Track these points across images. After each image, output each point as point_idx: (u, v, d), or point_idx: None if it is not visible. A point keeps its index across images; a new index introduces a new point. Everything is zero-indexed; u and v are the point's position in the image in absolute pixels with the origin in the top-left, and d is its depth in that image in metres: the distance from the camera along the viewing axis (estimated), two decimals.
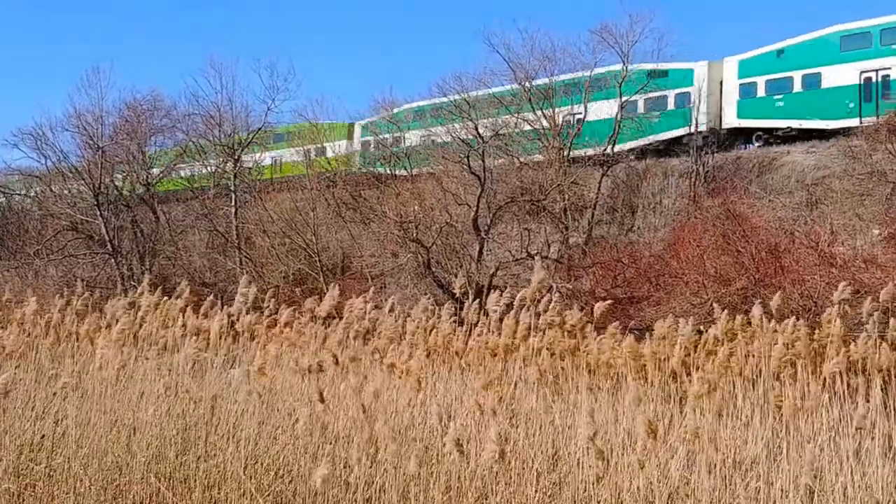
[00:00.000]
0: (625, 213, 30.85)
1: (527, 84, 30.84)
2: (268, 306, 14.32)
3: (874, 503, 7.88)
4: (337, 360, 12.01)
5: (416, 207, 23.96)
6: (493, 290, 13.55)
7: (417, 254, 22.97)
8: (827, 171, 27.90)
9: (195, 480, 8.71)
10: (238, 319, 13.24)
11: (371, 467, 8.89)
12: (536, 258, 23.00)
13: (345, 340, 13.47)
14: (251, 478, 8.82)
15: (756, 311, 12.51)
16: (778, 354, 11.09)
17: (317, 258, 26.75)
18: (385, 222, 24.41)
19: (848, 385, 10.70)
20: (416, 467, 8.29)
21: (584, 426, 8.01)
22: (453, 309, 13.71)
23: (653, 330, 13.04)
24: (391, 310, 14.01)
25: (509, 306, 13.47)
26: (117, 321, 12.54)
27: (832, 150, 28.75)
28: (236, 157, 32.14)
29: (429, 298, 15.25)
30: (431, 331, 13.60)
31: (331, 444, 9.25)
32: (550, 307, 12.80)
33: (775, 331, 12.12)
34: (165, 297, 14.22)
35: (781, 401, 10.11)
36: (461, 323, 13.33)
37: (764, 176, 29.84)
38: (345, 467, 8.77)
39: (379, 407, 10.52)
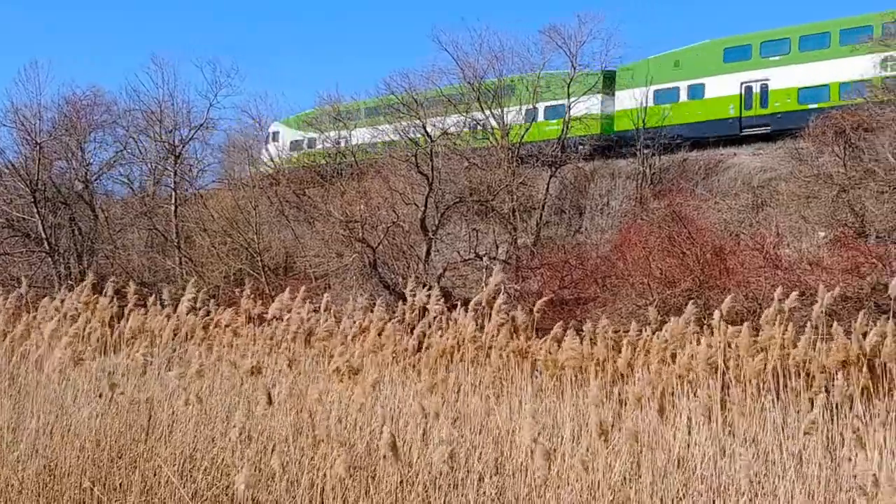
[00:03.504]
0: (572, 215, 30.91)
1: (475, 83, 30.72)
2: (206, 307, 14.01)
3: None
4: (291, 363, 11.80)
5: (361, 207, 23.65)
6: (440, 292, 13.35)
7: (363, 254, 22.68)
8: (773, 174, 28.22)
9: (130, 485, 8.45)
10: (178, 320, 12.92)
11: (310, 472, 8.67)
12: (485, 259, 22.91)
13: (286, 342, 13.24)
14: (186, 483, 8.56)
15: (689, 310, 12.51)
16: (722, 356, 11.07)
17: (258, 258, 26.33)
18: (330, 221, 24.07)
19: (786, 386, 10.73)
20: (346, 472, 8.10)
21: (528, 428, 7.86)
22: (399, 310, 13.50)
23: (597, 331, 12.96)
24: (327, 309, 13.76)
25: (455, 307, 13.31)
26: (51, 320, 12.13)
27: (779, 152, 29.10)
28: (177, 154, 31.50)
29: (372, 299, 15.01)
30: (378, 332, 13.37)
31: (268, 448, 9.03)
32: (498, 308, 12.67)
33: (712, 333, 12.12)
34: (100, 297, 13.81)
35: (725, 402, 10.06)
36: (407, 324, 13.14)
37: (710, 178, 30.10)
38: (283, 472, 8.56)
39: (321, 411, 10.30)
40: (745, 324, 12.10)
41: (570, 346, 11.83)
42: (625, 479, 8.12)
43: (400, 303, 13.42)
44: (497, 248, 24.83)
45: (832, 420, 9.31)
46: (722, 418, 9.91)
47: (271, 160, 34.15)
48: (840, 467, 8.46)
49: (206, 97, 32.68)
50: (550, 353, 12.14)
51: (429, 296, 12.82)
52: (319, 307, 14.13)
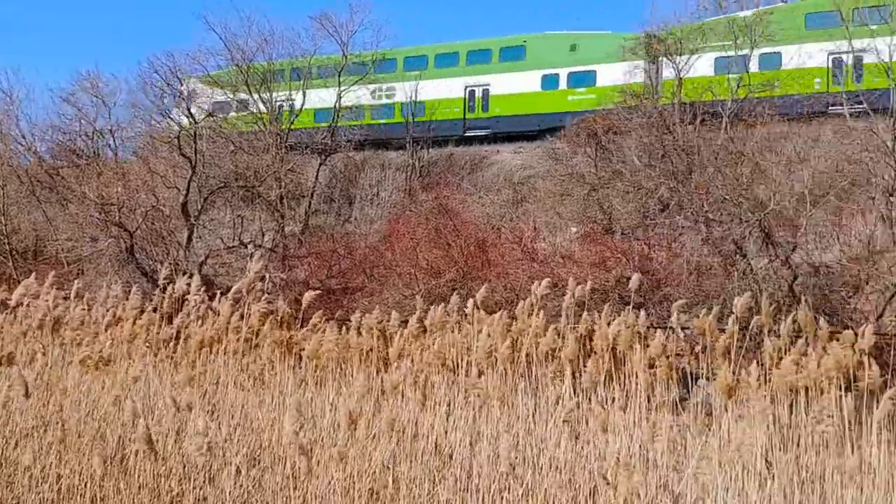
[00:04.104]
0: (342, 204, 30.94)
1: (244, 66, 29.96)
2: None
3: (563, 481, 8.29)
4: (35, 354, 10.99)
5: (119, 189, 22.38)
6: (202, 280, 12.86)
7: (119, 239, 21.50)
8: (532, 171, 29.62)
9: None
10: None
11: (57, 467, 8.18)
12: (250, 247, 22.37)
13: (31, 331, 12.37)
14: None
15: (453, 300, 12.91)
16: (483, 345, 11.43)
17: (6, 241, 24.37)
18: (84, 204, 22.62)
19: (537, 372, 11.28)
20: (102, 467, 7.70)
21: (289, 420, 7.76)
22: (157, 298, 12.88)
23: (363, 321, 13.03)
24: (78, 296, 12.96)
25: (214, 296, 12.90)
26: None
27: (538, 150, 30.57)
28: None
29: (129, 286, 14.26)
30: (132, 321, 12.73)
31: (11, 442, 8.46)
32: (262, 298, 12.43)
33: (473, 322, 12.52)
34: None
35: (482, 390, 10.41)
36: (164, 313, 12.57)
37: (475, 173, 31.14)
38: (28, 467, 8.04)
39: (70, 403, 9.73)
40: (500, 312, 12.60)
41: (331, 338, 11.80)
42: (384, 466, 8.22)
43: (158, 291, 12.81)
44: (263, 235, 24.34)
45: (578, 405, 9.86)
46: (479, 404, 10.26)
47: None
48: (583, 450, 8.99)
49: None
50: (313, 343, 12.05)
51: (189, 284, 12.33)
52: (70, 294, 13.28)
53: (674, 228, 18.85)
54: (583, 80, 32.30)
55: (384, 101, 34.72)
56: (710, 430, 10.37)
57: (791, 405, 10.56)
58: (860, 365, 10.56)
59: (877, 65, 23.48)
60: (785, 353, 10.98)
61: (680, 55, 27.60)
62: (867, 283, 17.69)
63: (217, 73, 30.92)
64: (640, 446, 9.38)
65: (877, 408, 9.14)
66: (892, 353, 12.29)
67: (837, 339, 11.29)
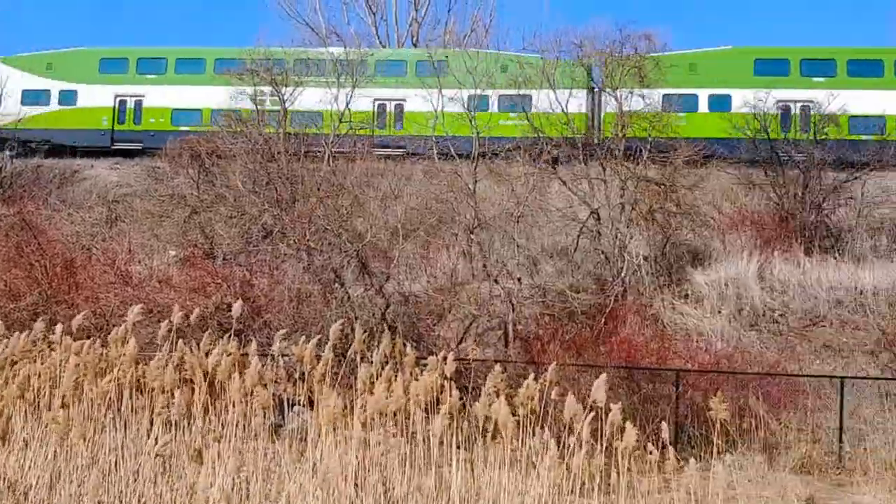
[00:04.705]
0: None
1: None
2: None
3: None
4: None
5: None
6: None
7: None
8: (130, 189, 28.27)
9: None
10: None
11: None
12: None
13: None
14: None
15: (37, 326, 11.89)
16: (70, 376, 10.59)
17: None
18: None
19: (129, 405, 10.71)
20: None
21: None
22: None
23: None
24: None
25: None
26: None
27: (136, 168, 29.27)
28: None
29: None
30: None
31: None
32: None
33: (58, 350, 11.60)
34: None
35: (60, 425, 9.63)
36: None
37: (65, 188, 29.01)
38: None
39: None
40: (91, 340, 11.79)
41: None
42: None
43: None
44: None
45: (174, 437, 9.51)
46: (60, 439, 9.47)
47: None
48: (180, 480, 8.66)
49: None
50: None
51: None
52: None
53: (276, 256, 19.00)
54: None
55: None
56: (303, 456, 10.55)
57: (383, 427, 11.09)
58: (442, 389, 11.41)
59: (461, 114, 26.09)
60: (377, 379, 11.52)
61: (286, 86, 28.13)
62: (449, 312, 19.24)
63: None
64: (233, 477, 9.27)
65: (458, 429, 9.92)
66: (470, 376, 13.47)
67: (424, 365, 12.11)
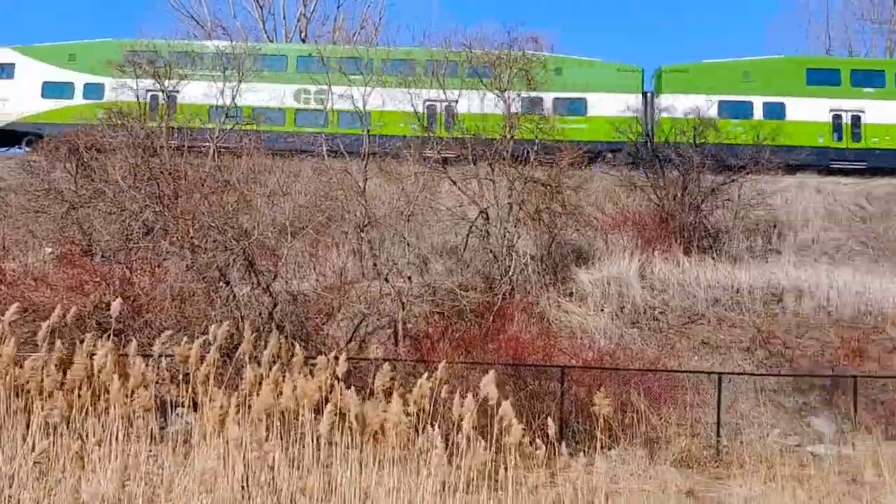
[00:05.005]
0: None
1: None
2: None
3: None
4: None
5: None
6: None
7: None
8: (3, 184, 27.03)
9: None
10: None
11: None
12: None
13: None
14: None
15: None
16: None
17: None
18: None
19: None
20: None
21: None
22: None
23: None
24: None
25: None
26: None
27: (10, 162, 28.04)
28: None
29: None
30: None
31: None
32: None
33: None
34: None
35: None
36: None
37: None
38: None
39: None
40: None
41: None
42: None
43: None
44: None
45: (53, 441, 9.14)
46: None
47: None
48: (58, 485, 8.35)
49: None
50: None
51: None
52: None
53: (158, 253, 18.45)
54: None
55: None
56: (187, 458, 10.32)
57: (268, 428, 10.93)
58: (332, 389, 11.32)
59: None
60: (265, 380, 11.33)
61: (169, 79, 27.38)
62: (339, 311, 19.10)
63: None
64: (115, 482, 8.98)
65: (348, 429, 9.86)
66: (359, 376, 13.42)
67: (313, 365, 11.99)
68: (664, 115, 31.71)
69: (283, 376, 11.42)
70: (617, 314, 21.44)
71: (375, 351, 14.53)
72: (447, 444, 10.48)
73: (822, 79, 33.58)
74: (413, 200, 21.05)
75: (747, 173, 26.01)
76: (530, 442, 11.75)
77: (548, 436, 11.67)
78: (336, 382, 11.14)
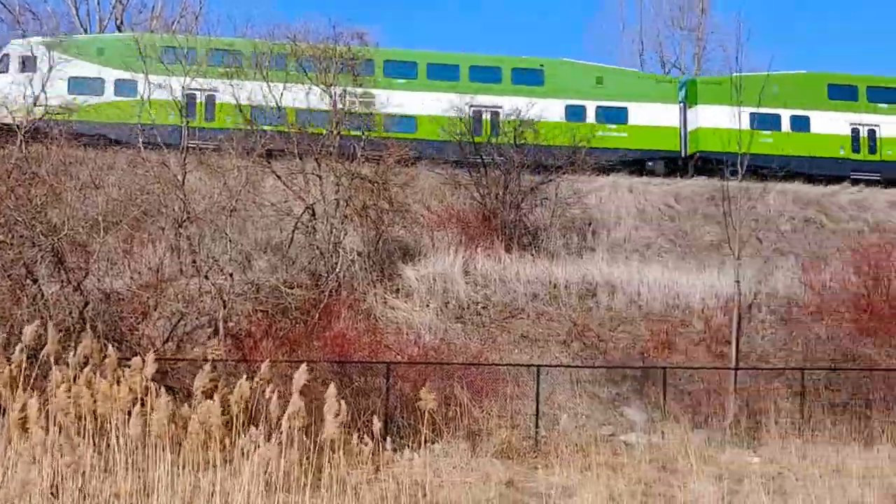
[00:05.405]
0: None
1: None
2: None
3: None
4: None
5: None
6: None
7: None
8: None
9: None
10: None
11: None
12: None
13: None
14: None
15: None
16: None
17: None
18: None
19: None
20: None
21: None
22: None
23: None
24: None
25: None
26: None
27: None
28: None
29: None
30: None
31: None
32: None
33: None
34: None
35: None
36: None
37: None
38: None
39: None
40: None
41: None
42: None
43: None
44: None
45: None
46: None
47: None
48: None
49: None
50: None
51: None
52: None
53: None
54: None
55: None
56: None
57: (79, 433, 10.41)
58: (147, 390, 10.90)
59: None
60: (75, 381, 10.80)
61: None
62: (155, 310, 18.37)
63: None
64: None
65: (166, 431, 9.51)
66: (177, 377, 12.97)
67: (127, 366, 11.50)
68: (702, 125, 33.82)
69: (94, 378, 10.91)
70: (442, 309, 21.75)
71: (203, 352, 14.12)
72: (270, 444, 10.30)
73: (841, 94, 35.79)
74: (235, 195, 20.52)
75: (564, 173, 26.99)
76: (359, 439, 11.76)
77: (373, 432, 11.69)
78: (151, 384, 10.74)
